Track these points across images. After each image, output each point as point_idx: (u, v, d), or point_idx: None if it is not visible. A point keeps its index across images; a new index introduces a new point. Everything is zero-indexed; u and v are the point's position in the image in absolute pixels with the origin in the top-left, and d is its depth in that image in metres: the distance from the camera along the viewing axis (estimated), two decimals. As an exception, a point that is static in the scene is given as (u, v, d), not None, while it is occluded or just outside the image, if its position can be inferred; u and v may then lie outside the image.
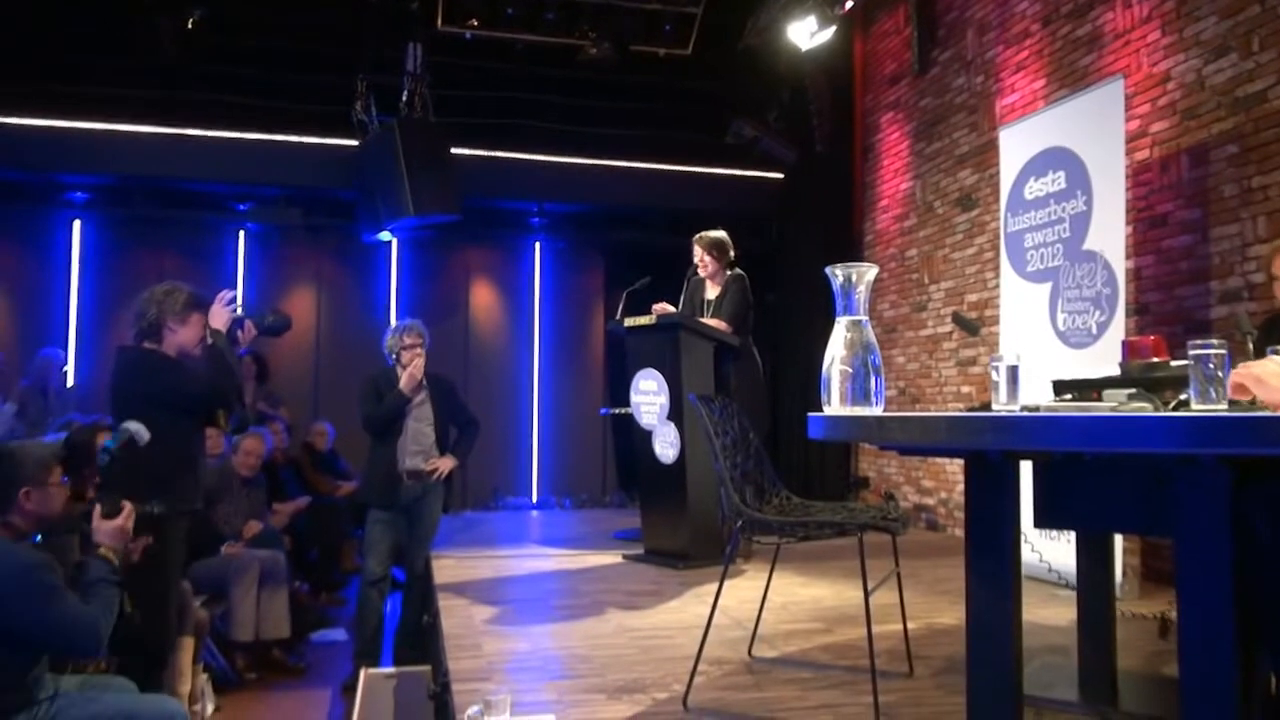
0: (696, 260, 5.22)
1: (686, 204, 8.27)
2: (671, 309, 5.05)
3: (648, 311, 5.07)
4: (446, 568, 4.85)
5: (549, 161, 8.29)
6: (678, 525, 4.88)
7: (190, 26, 7.13)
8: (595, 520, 7.03)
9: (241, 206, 8.11)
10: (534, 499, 8.57)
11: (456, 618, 3.78)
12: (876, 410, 2.31)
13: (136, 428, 3.24)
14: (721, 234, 5.26)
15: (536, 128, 8.25)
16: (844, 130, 8.04)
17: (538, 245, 8.97)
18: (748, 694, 2.87)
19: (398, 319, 8.56)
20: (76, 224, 8.05)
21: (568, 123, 8.26)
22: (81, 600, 2.77)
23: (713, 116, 8.18)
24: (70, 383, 7.23)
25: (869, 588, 2.63)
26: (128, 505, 3.00)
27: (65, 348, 7.73)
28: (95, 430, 4.01)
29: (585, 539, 5.97)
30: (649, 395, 5.06)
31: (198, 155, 7.53)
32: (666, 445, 4.95)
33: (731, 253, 5.22)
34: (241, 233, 8.33)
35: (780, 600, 4.08)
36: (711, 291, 5.22)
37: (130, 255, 7.96)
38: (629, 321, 5.11)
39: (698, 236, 5.24)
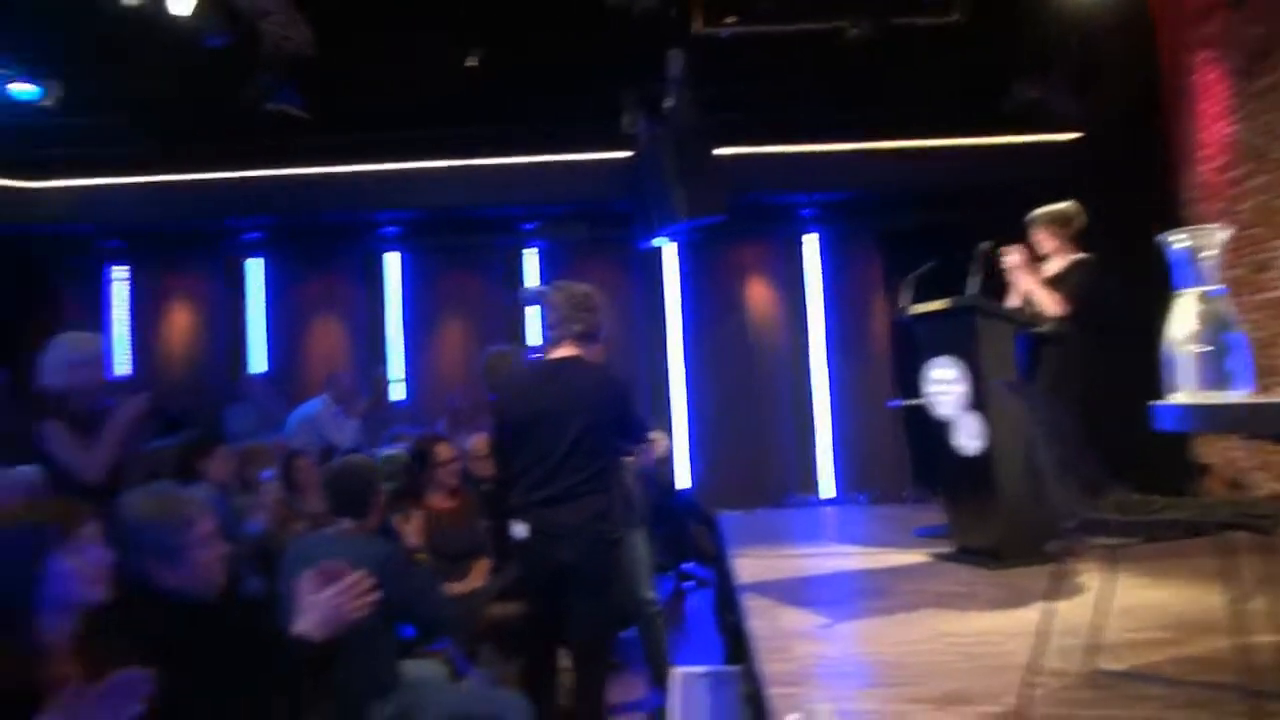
0: (1033, 240, 4.85)
1: (966, 179, 7.83)
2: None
3: (935, 296, 4.81)
4: (746, 567, 4.85)
5: (816, 151, 8.14)
6: (988, 521, 4.58)
7: (473, 65, 7.72)
8: (894, 517, 6.77)
9: (529, 226, 8.67)
10: (827, 495, 8.45)
11: (763, 619, 3.75)
12: (1241, 395, 2.01)
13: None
14: (1061, 207, 4.84)
15: (801, 118, 8.11)
16: (1146, 77, 7.21)
17: (811, 237, 8.84)
18: (1094, 710, 2.60)
19: (681, 324, 8.81)
20: (390, 256, 8.98)
21: (833, 109, 8.06)
22: None
23: (987, 82, 7.63)
24: (399, 397, 8.09)
25: (1236, 596, 2.30)
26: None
27: (385, 366, 8.66)
28: (434, 440, 4.44)
29: (885, 536, 5.76)
30: (945, 384, 4.79)
31: (489, 183, 8.15)
32: (968, 436, 4.66)
33: (1076, 225, 4.80)
34: (531, 251, 8.91)
35: (1118, 604, 3.68)
36: (1050, 269, 4.83)
37: (437, 281, 8.76)
38: (917, 308, 4.87)
39: (1032, 215, 4.87)
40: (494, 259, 8.95)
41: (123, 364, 8.68)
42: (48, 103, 7.35)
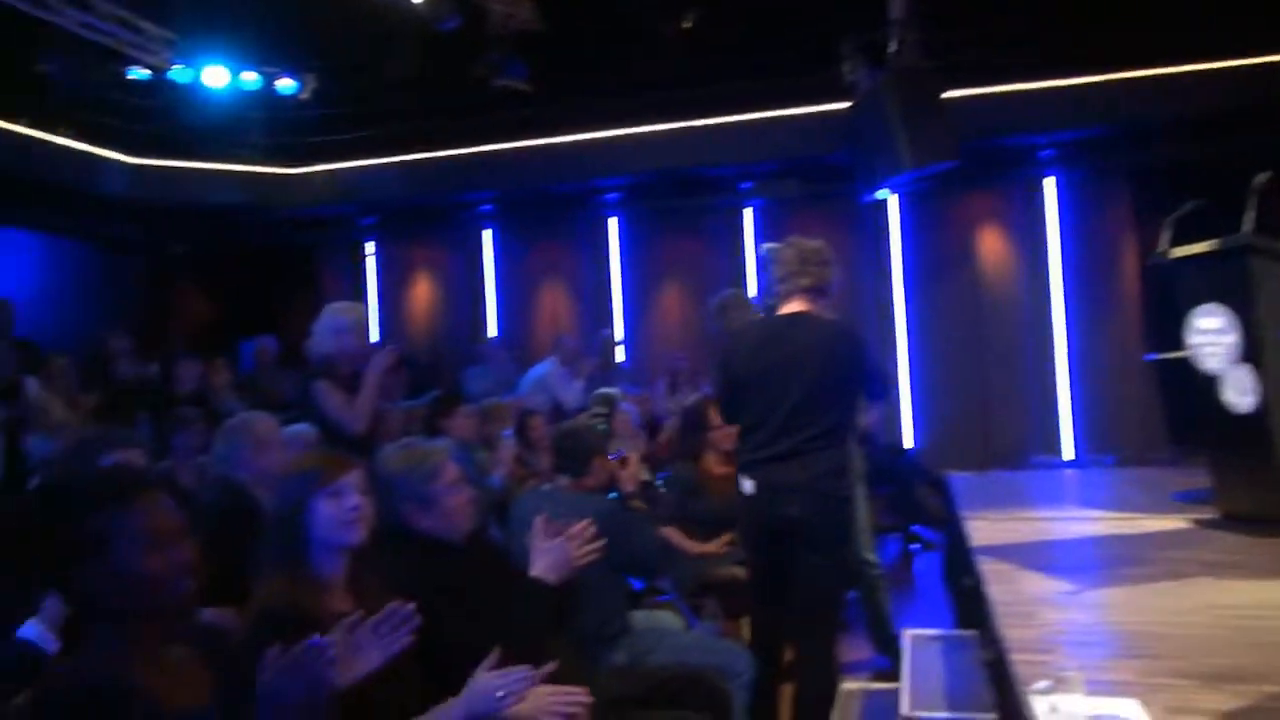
0: None
1: (1235, 105, 7.00)
2: None
3: (1199, 239, 4.33)
4: (981, 529, 4.60)
5: (1052, 87, 7.54)
6: (1263, 485, 4.10)
7: (686, 27, 7.74)
8: (1144, 479, 6.21)
9: (744, 185, 8.63)
10: (1068, 456, 7.93)
11: (1003, 583, 3.56)
12: None
13: None
14: None
15: (1033, 54, 7.55)
16: None
17: (1049, 180, 8.24)
18: (1404, 698, 2.29)
19: (904, 279, 8.50)
20: (611, 221, 9.23)
21: (1067, 41, 7.45)
22: None
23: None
24: (621, 358, 8.35)
25: None
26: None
27: (612, 329, 8.93)
28: (711, 402, 4.51)
29: (1136, 500, 5.29)
30: (1211, 335, 4.32)
31: (707, 144, 8.17)
32: (1239, 392, 4.19)
33: None
34: (747, 210, 8.86)
35: None
36: None
37: (656, 243, 8.93)
38: (1178, 252, 4.42)
39: None
40: (712, 220, 8.99)
41: (374, 331, 9.48)
42: (305, 96, 8.11)
